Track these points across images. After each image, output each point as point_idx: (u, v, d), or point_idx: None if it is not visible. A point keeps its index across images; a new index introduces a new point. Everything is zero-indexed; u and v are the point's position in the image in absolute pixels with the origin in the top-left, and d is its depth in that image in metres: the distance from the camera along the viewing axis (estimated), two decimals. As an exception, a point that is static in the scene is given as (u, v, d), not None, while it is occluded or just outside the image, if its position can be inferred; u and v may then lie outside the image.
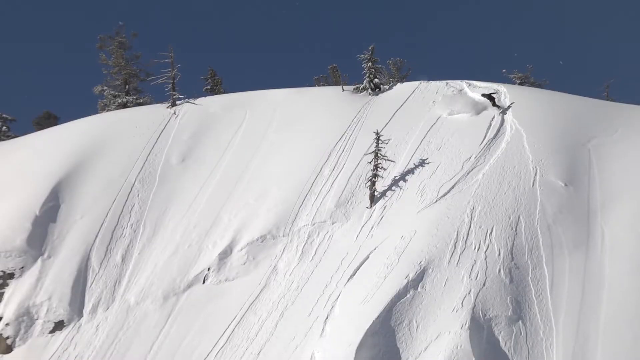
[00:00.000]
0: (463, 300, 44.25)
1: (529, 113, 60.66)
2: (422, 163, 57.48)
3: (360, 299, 45.39)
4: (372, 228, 52.89)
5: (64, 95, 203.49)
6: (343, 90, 76.37)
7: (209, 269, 54.50)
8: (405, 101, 69.43)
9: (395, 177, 57.05)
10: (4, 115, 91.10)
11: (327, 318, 45.79)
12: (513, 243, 47.55)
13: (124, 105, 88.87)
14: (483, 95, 52.97)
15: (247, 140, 67.83)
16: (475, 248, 47.21)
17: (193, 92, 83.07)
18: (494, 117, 60.95)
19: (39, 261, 56.42)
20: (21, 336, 52.36)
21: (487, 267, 46.03)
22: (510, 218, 49.17)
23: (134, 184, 63.12)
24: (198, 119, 72.72)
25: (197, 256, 55.79)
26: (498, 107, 52.13)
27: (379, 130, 57.86)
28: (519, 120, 59.47)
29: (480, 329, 43.07)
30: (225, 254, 55.16)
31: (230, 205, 59.47)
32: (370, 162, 57.07)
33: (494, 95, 51.59)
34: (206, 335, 49.72)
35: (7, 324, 52.80)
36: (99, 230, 58.80)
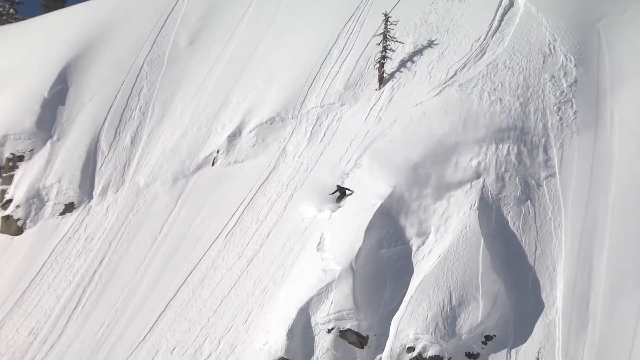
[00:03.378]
0: (472, 181, 43.60)
1: (539, -7, 58.57)
2: (431, 44, 55.71)
3: (370, 180, 44.62)
4: (380, 110, 51.42)
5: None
6: (351, -29, 73.89)
7: (218, 151, 53.36)
8: (414, -18, 67.03)
9: (403, 58, 55.30)
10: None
11: (336, 199, 44.83)
12: (522, 124, 46.40)
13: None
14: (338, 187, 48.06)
15: (256, 22, 65.63)
16: (484, 129, 45.95)
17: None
18: (503, -2, 58.98)
19: (48, 144, 55.38)
20: (32, 218, 51.72)
21: (496, 148, 45.06)
22: (519, 99, 47.75)
23: (142, 67, 61.50)
24: (206, 1, 70.35)
25: (206, 138, 54.58)
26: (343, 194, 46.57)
27: (387, 12, 55.85)
28: (529, 0, 57.45)
29: (489, 210, 42.59)
30: (234, 136, 53.87)
31: (239, 88, 57.90)
32: (378, 44, 55.18)
33: (346, 191, 46.40)
34: (216, 217, 48.92)
35: (17, 206, 52.08)
36: (108, 112, 57.47)
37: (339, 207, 43.95)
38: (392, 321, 38.66)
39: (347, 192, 44.31)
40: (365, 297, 39.52)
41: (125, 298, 45.68)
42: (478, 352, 37.85)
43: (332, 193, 44.61)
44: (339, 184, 44.87)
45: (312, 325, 38.98)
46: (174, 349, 41.78)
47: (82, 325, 44.58)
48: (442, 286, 39.14)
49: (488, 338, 38.15)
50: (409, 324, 38.13)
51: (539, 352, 36.30)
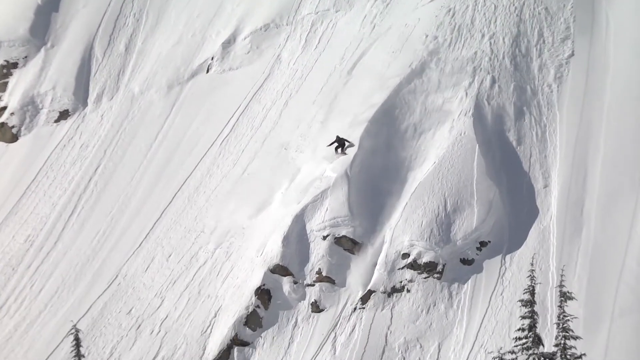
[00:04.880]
0: (467, 88, 42.63)
1: None
2: (426, -53, 53.81)
3: (364, 88, 43.89)
4: (375, 16, 49.67)
5: None
6: None
7: (212, 58, 51.78)
8: None
9: (398, -38, 53.50)
10: None
11: (331, 107, 44.31)
12: (518, 31, 45.18)
13: None
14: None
15: None
16: (479, 36, 45.01)
17: None
18: None
19: (42, 51, 53.54)
20: (26, 125, 50.32)
21: (491, 55, 44.02)
22: (514, 4, 46.29)
23: (136, -28, 59.54)
24: None
25: (201, 45, 52.90)
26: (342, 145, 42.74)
27: None
28: None
29: (484, 116, 41.82)
30: (228, 43, 52.22)
31: (233, -7, 56.25)
32: (373, -52, 53.30)
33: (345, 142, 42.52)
34: (211, 124, 47.86)
35: (12, 113, 50.65)
36: (102, 19, 55.38)
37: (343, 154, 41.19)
38: (387, 228, 38.23)
39: (347, 143, 41.37)
40: (360, 204, 38.99)
41: (120, 205, 44.91)
42: (473, 258, 37.41)
43: (330, 144, 41.44)
44: (339, 135, 41.52)
45: (308, 232, 38.58)
46: (169, 256, 41.20)
47: (78, 233, 43.88)
48: (437, 193, 38.61)
49: (483, 244, 37.72)
50: (404, 230, 37.69)
51: (533, 258, 35.60)
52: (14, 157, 49.07)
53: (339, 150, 41.16)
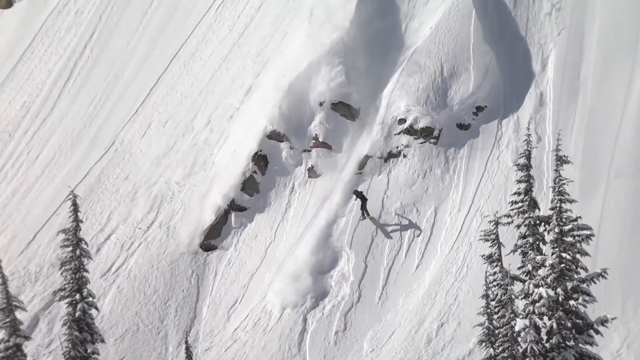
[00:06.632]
0: None
1: None
2: None
3: None
4: None
5: None
6: None
7: None
8: None
9: None
10: None
11: None
12: None
13: None
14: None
15: None
16: None
17: None
18: None
19: None
20: (22, -10, 48.71)
21: None
22: None
23: None
24: None
25: None
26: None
27: None
28: None
29: None
30: None
31: None
32: None
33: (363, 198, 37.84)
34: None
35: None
36: None
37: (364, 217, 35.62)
38: (383, 93, 37.46)
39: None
40: (356, 70, 38.15)
41: (116, 71, 43.58)
42: (469, 123, 36.78)
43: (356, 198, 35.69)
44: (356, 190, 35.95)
45: (304, 98, 37.69)
46: (166, 122, 40.21)
47: (74, 99, 42.70)
48: (434, 58, 37.77)
49: (479, 109, 37.08)
50: (400, 96, 36.90)
51: (529, 122, 35.16)
52: (8, 24, 47.44)
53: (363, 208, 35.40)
